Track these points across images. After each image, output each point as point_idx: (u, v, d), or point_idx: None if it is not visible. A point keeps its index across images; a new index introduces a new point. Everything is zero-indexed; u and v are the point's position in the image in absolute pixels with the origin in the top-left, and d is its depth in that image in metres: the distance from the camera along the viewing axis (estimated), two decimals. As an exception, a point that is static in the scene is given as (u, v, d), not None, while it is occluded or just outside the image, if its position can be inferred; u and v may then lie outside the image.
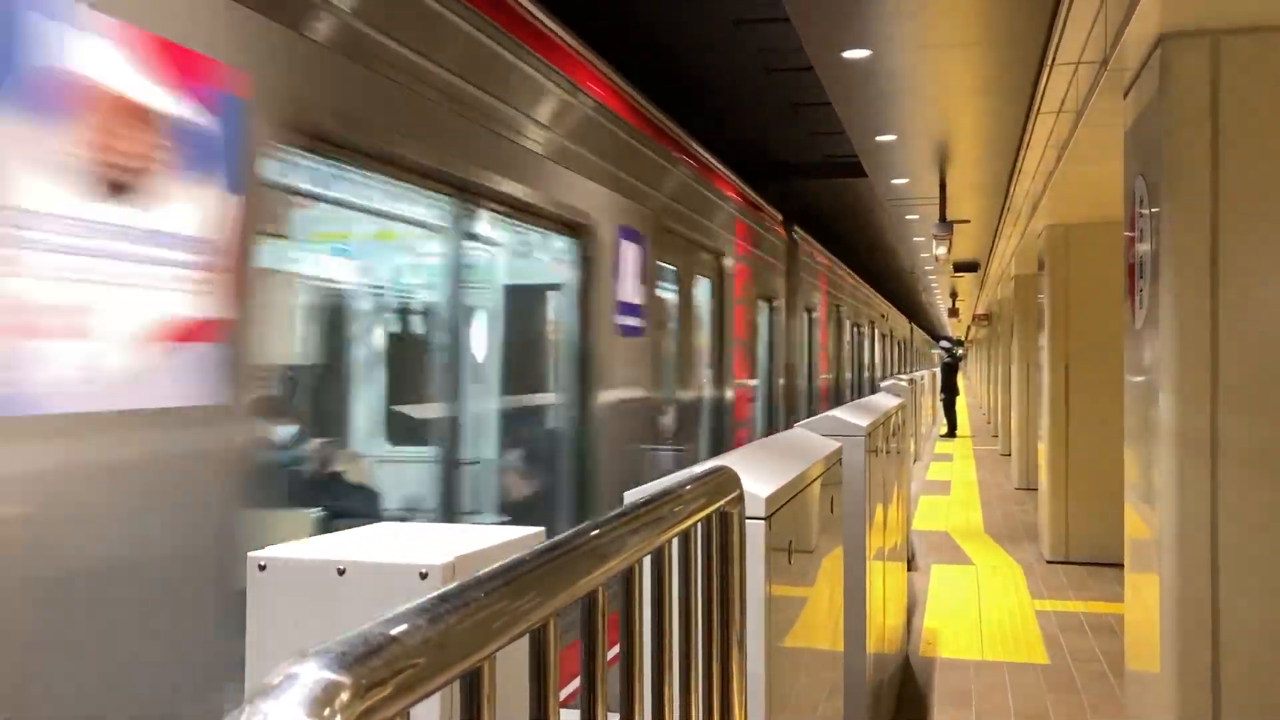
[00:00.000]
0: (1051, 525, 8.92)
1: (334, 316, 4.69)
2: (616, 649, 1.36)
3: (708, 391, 7.13)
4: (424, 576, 1.48)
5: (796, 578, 2.43)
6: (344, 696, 0.69)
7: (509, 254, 4.63)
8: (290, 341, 4.09)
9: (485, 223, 4.02)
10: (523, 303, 4.88)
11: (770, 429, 9.15)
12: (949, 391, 23.31)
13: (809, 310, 11.09)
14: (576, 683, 1.25)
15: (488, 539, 1.67)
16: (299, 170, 2.92)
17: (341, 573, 1.51)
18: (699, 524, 1.63)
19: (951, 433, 22.64)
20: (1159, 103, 3.78)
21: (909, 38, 5.26)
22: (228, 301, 2.30)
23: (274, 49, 2.49)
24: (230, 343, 2.30)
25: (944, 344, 27.86)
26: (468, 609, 0.87)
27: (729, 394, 7.44)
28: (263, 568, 1.54)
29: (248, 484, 2.36)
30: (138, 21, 2.07)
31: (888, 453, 4.72)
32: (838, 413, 3.97)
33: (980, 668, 5.92)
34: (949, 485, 14.00)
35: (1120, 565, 4.72)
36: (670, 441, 5.96)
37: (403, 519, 3.99)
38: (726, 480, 1.76)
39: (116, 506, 2.01)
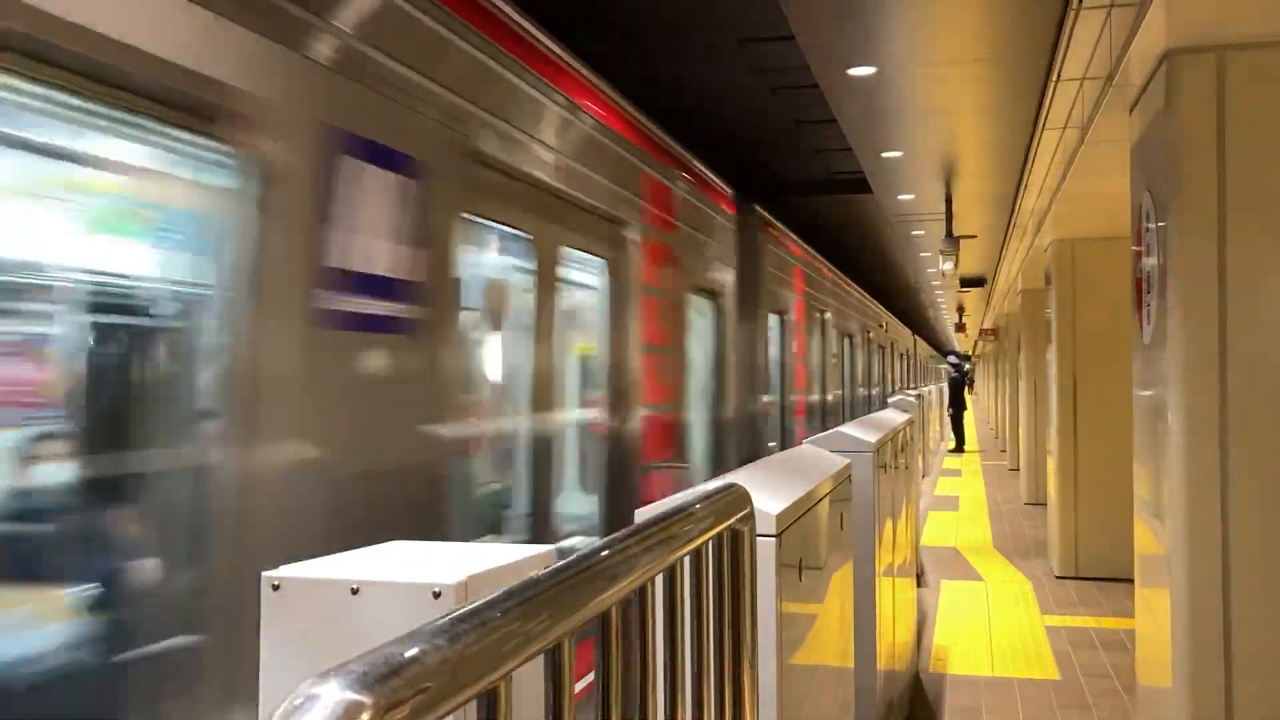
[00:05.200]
0: (1061, 540, 8.89)
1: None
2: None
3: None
4: (437, 596, 1.49)
5: (807, 594, 2.43)
6: (365, 717, 0.70)
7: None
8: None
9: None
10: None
11: (839, 420, 10.71)
12: (956, 407, 23.27)
13: (849, 336, 13.29)
14: (586, 681, 1.26)
15: (499, 558, 1.68)
16: None
17: (355, 592, 1.52)
18: (710, 542, 1.64)
19: (960, 448, 22.59)
20: (1165, 118, 3.79)
21: (914, 55, 5.28)
22: None
23: None
24: None
25: (951, 359, 27.82)
26: (485, 629, 0.88)
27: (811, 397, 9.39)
28: (276, 587, 1.55)
29: None
30: None
31: (896, 468, 4.72)
32: (846, 429, 3.97)
33: (991, 684, 5.89)
34: (957, 500, 13.96)
35: (1130, 580, 4.71)
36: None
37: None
38: (737, 498, 1.77)
39: None
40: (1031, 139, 6.71)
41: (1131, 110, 4.39)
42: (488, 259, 3.99)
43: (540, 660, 1.03)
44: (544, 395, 4.15)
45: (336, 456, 2.58)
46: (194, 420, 2.34)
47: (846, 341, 14.67)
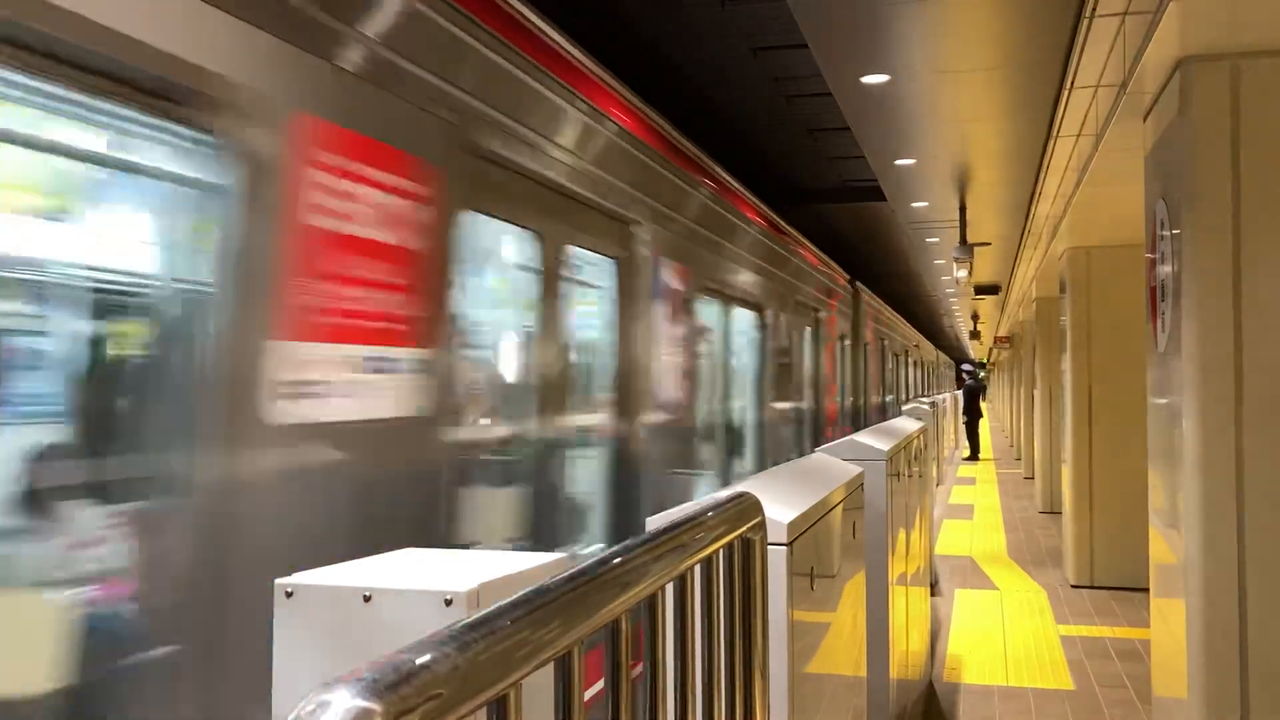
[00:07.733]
0: (1076, 549, 8.84)
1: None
2: (640, 669, 1.37)
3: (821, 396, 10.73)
4: (449, 603, 1.50)
5: (819, 603, 2.43)
6: (375, 724, 0.70)
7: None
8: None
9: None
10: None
11: (854, 422, 13.01)
12: (971, 415, 23.20)
13: (865, 344, 14.38)
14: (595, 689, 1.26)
15: (511, 565, 1.68)
16: None
17: (367, 599, 1.52)
18: (721, 550, 1.64)
19: (974, 456, 22.52)
20: (1179, 125, 3.78)
21: (927, 62, 5.28)
22: None
23: None
24: None
25: (966, 367, 27.79)
26: (495, 637, 0.88)
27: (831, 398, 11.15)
28: (290, 594, 1.56)
29: None
30: None
31: (910, 477, 4.70)
32: (859, 437, 3.96)
33: (1005, 694, 5.86)
34: (972, 509, 13.91)
35: (1146, 590, 4.69)
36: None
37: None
38: (748, 507, 1.77)
39: None
40: (1045, 146, 6.69)
41: (1145, 118, 4.38)
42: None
43: (550, 668, 1.04)
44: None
45: None
46: None
47: (894, 358, 19.21)
